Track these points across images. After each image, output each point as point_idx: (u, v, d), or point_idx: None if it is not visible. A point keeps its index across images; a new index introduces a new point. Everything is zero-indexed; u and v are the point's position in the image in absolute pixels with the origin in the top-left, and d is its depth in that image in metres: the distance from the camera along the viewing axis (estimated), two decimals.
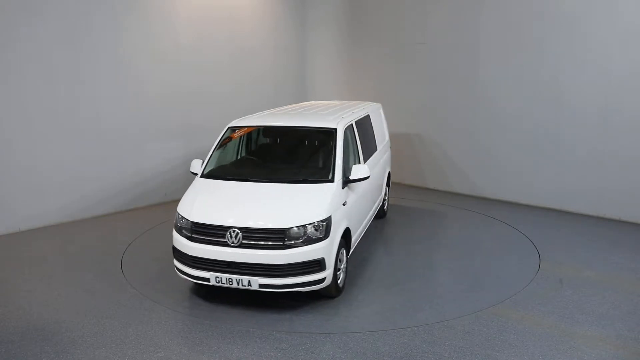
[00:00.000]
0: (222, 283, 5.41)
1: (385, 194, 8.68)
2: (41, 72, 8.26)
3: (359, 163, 6.74)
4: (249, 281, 5.31)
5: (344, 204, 5.85)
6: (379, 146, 8.24)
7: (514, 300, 5.79)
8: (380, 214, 8.70)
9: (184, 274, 5.67)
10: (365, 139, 7.39)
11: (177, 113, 10.10)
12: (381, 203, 8.42)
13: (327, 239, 5.37)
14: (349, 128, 6.78)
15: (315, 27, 12.59)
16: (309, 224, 5.31)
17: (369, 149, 7.56)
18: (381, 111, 9.09)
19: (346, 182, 5.97)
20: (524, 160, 9.61)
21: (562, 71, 8.92)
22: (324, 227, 5.37)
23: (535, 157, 9.45)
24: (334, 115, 7.03)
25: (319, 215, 5.37)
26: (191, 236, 5.55)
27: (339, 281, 5.77)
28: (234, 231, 5.35)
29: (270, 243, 5.28)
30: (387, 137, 9.14)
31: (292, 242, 5.26)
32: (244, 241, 5.32)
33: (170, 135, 10.05)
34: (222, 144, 6.79)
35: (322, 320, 5.41)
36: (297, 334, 5.13)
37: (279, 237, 5.28)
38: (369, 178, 6.81)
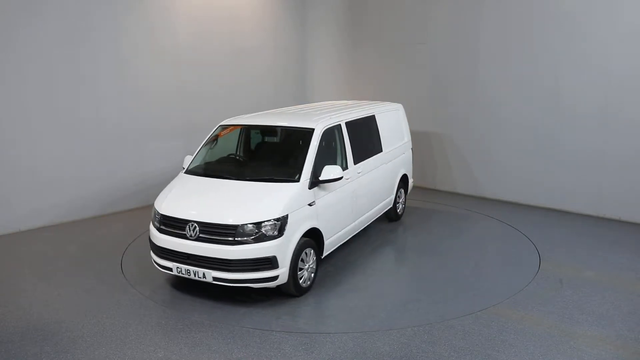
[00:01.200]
0: (182, 274, 5.71)
1: (399, 197, 8.57)
2: (41, 72, 8.25)
3: (346, 164, 6.70)
4: (204, 273, 5.54)
5: (310, 204, 5.87)
6: (388, 147, 8.02)
7: (514, 300, 5.79)
8: (392, 217, 8.56)
9: (155, 263, 6.03)
10: (361, 140, 7.26)
11: (177, 113, 10.10)
12: (391, 205, 8.29)
13: (280, 238, 5.45)
14: (335, 128, 6.73)
15: (316, 27, 12.58)
16: (260, 222, 5.41)
17: (368, 150, 7.43)
18: (400, 112, 8.88)
19: (315, 182, 5.97)
20: (523, 160, 9.61)
21: (562, 71, 8.92)
22: (278, 226, 5.45)
23: (535, 157, 9.45)
24: (322, 115, 6.93)
25: (272, 214, 5.46)
26: (160, 227, 5.87)
27: (301, 281, 5.82)
28: (192, 225, 5.58)
29: (222, 238, 5.44)
30: (405, 139, 8.84)
31: (244, 238, 5.39)
32: (200, 235, 5.53)
33: (171, 135, 10.04)
34: (212, 141, 7.01)
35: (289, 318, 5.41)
36: (297, 334, 5.13)
37: (230, 233, 5.43)
38: (367, 179, 6.83)
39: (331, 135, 6.64)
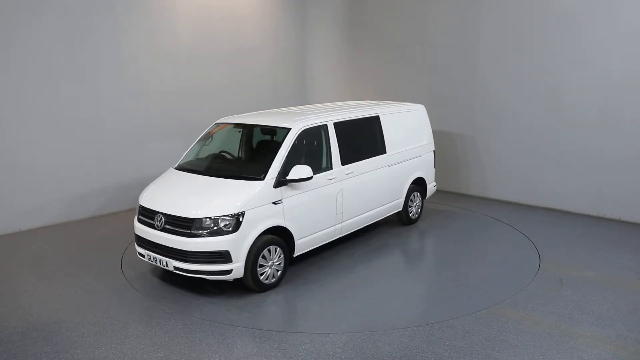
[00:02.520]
0: (151, 261, 6.12)
1: (412, 200, 8.36)
2: (41, 72, 8.25)
3: (330, 164, 6.69)
4: (167, 262, 5.88)
5: (275, 203, 5.95)
6: (395, 149, 7.82)
7: (514, 300, 5.79)
8: (404, 221, 8.37)
9: (136, 250, 6.43)
10: (355, 141, 7.19)
11: (177, 112, 10.10)
12: (400, 208, 8.13)
13: (235, 233, 5.63)
14: (321, 128, 6.73)
15: (316, 27, 12.58)
16: (215, 217, 5.62)
17: (364, 151, 7.32)
18: (420, 114, 8.62)
19: (283, 181, 6.02)
20: (523, 160, 9.61)
21: (562, 71, 8.92)
22: (233, 222, 5.62)
23: (535, 157, 9.45)
24: (310, 115, 6.91)
25: (228, 210, 5.65)
26: (138, 217, 6.33)
27: (262, 277, 5.94)
28: (159, 216, 5.97)
29: (182, 230, 5.73)
30: (424, 141, 8.54)
31: (199, 231, 5.64)
32: (165, 225, 5.88)
33: (171, 134, 10.05)
34: (205, 138, 7.25)
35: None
36: (297, 334, 5.13)
37: (187, 225, 5.70)
38: (361, 181, 6.95)
39: (314, 135, 6.68)
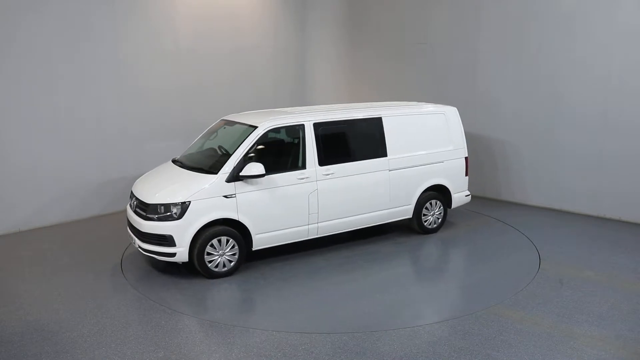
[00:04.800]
0: (130, 240, 6.75)
1: (427, 209, 7.91)
2: (41, 72, 8.25)
3: (304, 164, 6.76)
4: (135, 241, 6.52)
5: (227, 197, 6.28)
6: (400, 153, 7.51)
7: (514, 300, 5.79)
8: (417, 229, 7.94)
9: None
10: (343, 142, 7.18)
11: (177, 112, 10.10)
12: (408, 216, 7.76)
13: (179, 220, 6.13)
14: (295, 128, 6.83)
15: (316, 27, 12.57)
16: (163, 204, 6.20)
17: (353, 153, 7.22)
18: (447, 117, 8.05)
19: (236, 177, 6.31)
20: (523, 160, 9.62)
21: (562, 71, 8.93)
22: (178, 210, 6.13)
23: (535, 157, 9.45)
24: (292, 114, 7.03)
25: (175, 199, 6.18)
26: (130, 202, 6.95)
27: (211, 264, 6.32)
28: (133, 199, 6.70)
29: (142, 213, 6.39)
30: (450, 147, 7.99)
31: (151, 215, 6.25)
32: (136, 208, 6.56)
33: (171, 134, 10.04)
34: (209, 133, 7.57)
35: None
36: (297, 333, 5.13)
37: (144, 209, 6.36)
38: (345, 183, 6.95)
39: (287, 134, 6.93)
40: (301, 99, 12.52)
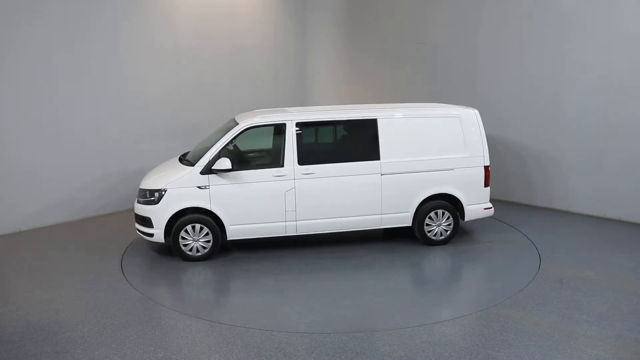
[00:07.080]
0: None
1: (433, 219, 7.36)
2: (41, 73, 8.25)
3: (282, 162, 6.94)
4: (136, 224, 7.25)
5: (200, 187, 6.81)
6: (395, 157, 7.15)
7: (514, 300, 5.79)
8: (421, 240, 7.46)
9: None
10: (327, 143, 7.38)
11: (177, 112, 10.10)
12: (407, 224, 7.35)
13: (157, 205, 6.85)
14: (276, 127, 7.10)
15: (316, 27, 12.59)
16: (146, 189, 6.97)
17: (337, 154, 7.18)
18: (464, 121, 7.37)
19: (210, 170, 6.78)
20: (523, 160, 9.61)
21: (562, 72, 8.92)
22: (157, 196, 6.85)
23: (535, 157, 9.45)
24: (276, 113, 7.24)
25: (155, 186, 6.92)
26: None
27: (186, 248, 6.92)
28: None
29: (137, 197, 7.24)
30: (460, 153, 7.30)
31: (139, 199, 7.07)
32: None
33: (171, 134, 10.05)
34: (220, 131, 7.65)
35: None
36: (297, 334, 5.13)
37: (139, 193, 7.19)
38: (326, 183, 6.96)
39: (268, 133, 7.24)
40: (301, 99, 12.52)
